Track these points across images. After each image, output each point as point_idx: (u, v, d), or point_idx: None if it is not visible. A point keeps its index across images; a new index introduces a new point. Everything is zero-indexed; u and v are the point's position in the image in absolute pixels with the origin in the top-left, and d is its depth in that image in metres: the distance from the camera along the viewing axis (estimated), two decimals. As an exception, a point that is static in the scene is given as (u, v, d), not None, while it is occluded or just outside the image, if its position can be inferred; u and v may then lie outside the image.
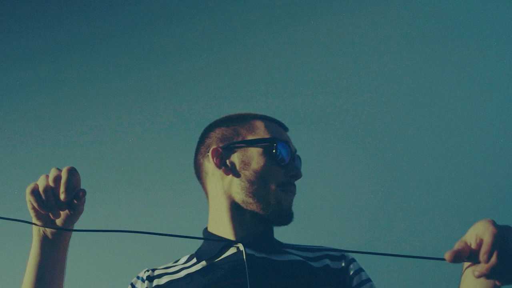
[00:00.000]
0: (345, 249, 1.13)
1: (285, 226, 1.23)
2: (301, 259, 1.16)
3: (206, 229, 1.26)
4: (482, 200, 1.93)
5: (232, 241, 1.17)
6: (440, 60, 2.15)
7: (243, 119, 1.29)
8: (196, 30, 2.40)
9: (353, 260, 1.20)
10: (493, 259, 0.78)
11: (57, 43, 2.47)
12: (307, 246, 1.24)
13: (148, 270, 1.24)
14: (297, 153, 1.29)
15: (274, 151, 1.20)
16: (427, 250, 1.90)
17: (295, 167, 1.23)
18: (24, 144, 2.35)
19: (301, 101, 2.19)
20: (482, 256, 0.77)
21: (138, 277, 1.24)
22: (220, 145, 1.25)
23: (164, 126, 2.31)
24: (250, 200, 1.19)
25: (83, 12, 2.46)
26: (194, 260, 1.21)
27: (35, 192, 0.96)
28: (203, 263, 1.17)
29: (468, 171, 2.01)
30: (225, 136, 1.26)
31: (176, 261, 1.27)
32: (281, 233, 1.26)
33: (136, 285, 1.22)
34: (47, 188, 0.95)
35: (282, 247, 1.21)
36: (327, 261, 1.17)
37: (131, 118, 2.36)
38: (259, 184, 1.19)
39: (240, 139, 1.24)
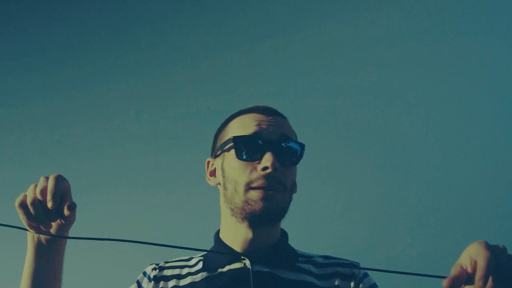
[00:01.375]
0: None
1: (280, 222, 1.18)
2: (310, 278, 1.13)
3: (218, 232, 1.24)
4: (484, 200, 1.93)
5: (239, 254, 1.15)
6: (442, 59, 2.15)
7: (223, 124, 1.26)
8: (195, 29, 2.40)
9: (364, 277, 1.16)
10: (489, 283, 0.80)
11: (56, 43, 2.47)
12: (321, 259, 1.20)
13: (155, 268, 1.22)
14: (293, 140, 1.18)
15: (233, 150, 1.15)
16: (429, 251, 1.90)
17: (267, 159, 1.10)
18: (21, 146, 2.35)
19: (301, 101, 2.19)
20: (477, 282, 0.79)
21: (144, 274, 1.22)
22: (213, 156, 1.25)
23: (165, 127, 2.31)
24: (232, 206, 1.15)
25: (83, 12, 2.47)
26: (200, 265, 1.19)
27: (23, 205, 0.95)
28: (208, 272, 1.16)
29: (470, 172, 2.01)
30: (213, 146, 1.27)
31: (188, 260, 1.24)
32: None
33: (143, 284, 1.20)
34: (34, 200, 0.94)
35: (294, 261, 1.17)
36: (337, 281, 1.14)
37: (131, 120, 2.35)
38: (231, 189, 1.14)
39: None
